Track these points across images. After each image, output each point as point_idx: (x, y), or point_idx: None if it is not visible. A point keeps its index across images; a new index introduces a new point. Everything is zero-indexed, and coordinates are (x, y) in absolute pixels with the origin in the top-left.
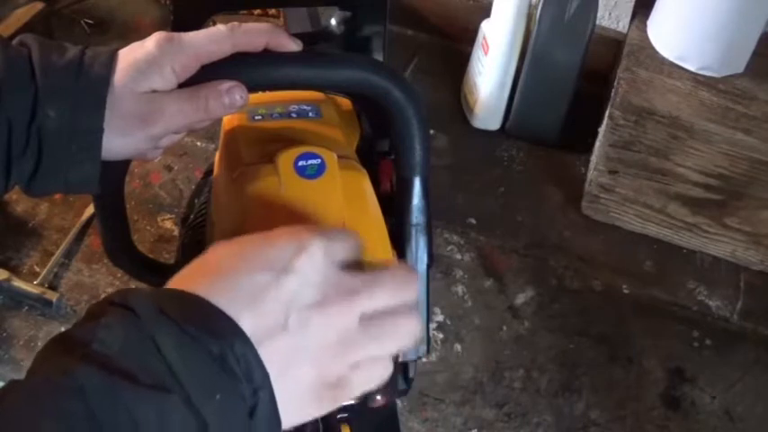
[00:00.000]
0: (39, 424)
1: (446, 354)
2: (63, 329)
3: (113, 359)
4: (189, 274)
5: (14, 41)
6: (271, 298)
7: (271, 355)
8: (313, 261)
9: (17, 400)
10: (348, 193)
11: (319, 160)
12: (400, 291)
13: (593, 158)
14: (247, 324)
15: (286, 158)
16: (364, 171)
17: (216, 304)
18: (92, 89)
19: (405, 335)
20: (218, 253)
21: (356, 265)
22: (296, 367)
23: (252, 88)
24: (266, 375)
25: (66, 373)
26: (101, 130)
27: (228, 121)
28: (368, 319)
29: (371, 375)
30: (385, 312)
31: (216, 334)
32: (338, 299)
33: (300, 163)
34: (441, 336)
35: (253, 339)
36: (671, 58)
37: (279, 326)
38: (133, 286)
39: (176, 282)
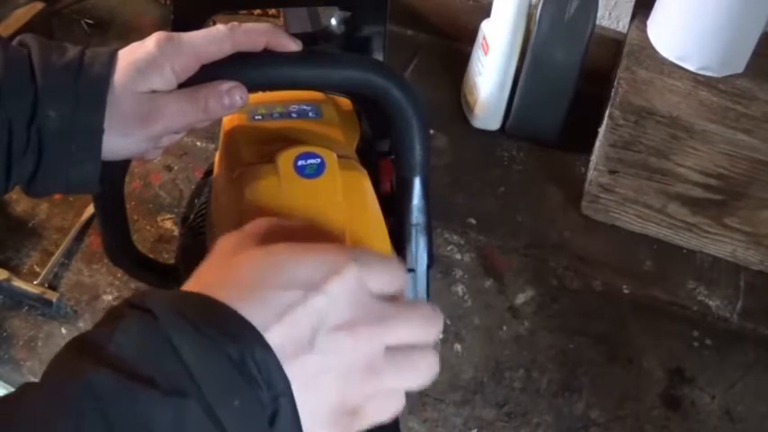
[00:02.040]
0: (53, 427)
1: (446, 354)
2: (63, 330)
3: (129, 362)
4: (214, 280)
5: (14, 41)
6: (298, 315)
7: (295, 373)
8: (345, 284)
9: (32, 403)
10: (348, 193)
11: (319, 160)
12: (427, 327)
13: (593, 158)
14: (274, 339)
15: (286, 158)
16: (364, 171)
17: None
18: (92, 89)
19: (425, 371)
20: (247, 260)
21: (392, 298)
22: (320, 387)
23: (252, 88)
24: (287, 383)
25: (81, 376)
26: (101, 130)
27: (228, 121)
28: (392, 351)
29: (387, 407)
30: (409, 346)
31: (235, 338)
32: (368, 324)
33: (300, 162)
34: (441, 336)
35: (278, 355)
36: (671, 58)
37: (305, 344)
38: (133, 286)
39: (199, 285)
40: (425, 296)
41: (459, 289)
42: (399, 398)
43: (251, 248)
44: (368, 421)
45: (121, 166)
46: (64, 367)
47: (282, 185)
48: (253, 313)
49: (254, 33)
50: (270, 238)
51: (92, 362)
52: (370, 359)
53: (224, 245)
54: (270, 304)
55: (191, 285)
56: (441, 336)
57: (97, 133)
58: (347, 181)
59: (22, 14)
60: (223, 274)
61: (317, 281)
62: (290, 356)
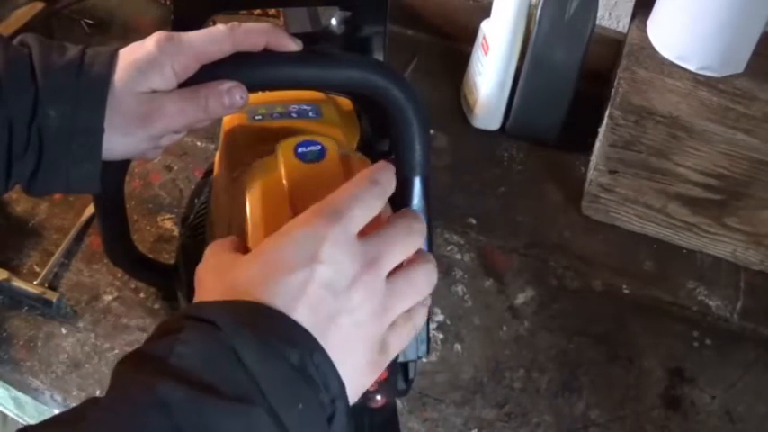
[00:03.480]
0: None
1: (446, 354)
2: (63, 330)
3: (195, 373)
4: (223, 292)
5: (15, 41)
6: (314, 290)
7: (332, 343)
8: (335, 247)
9: (99, 420)
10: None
11: (319, 146)
12: (412, 240)
13: (593, 158)
14: (304, 320)
15: (286, 146)
16: (367, 159)
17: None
18: (92, 89)
19: (426, 282)
20: (243, 267)
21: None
22: (353, 345)
23: (252, 88)
24: (342, 384)
25: (148, 390)
26: (101, 130)
27: (228, 121)
28: (392, 277)
29: (407, 331)
30: (404, 267)
31: (294, 343)
32: (367, 270)
33: (300, 150)
34: (441, 336)
35: (314, 333)
36: (671, 58)
37: (330, 314)
38: (133, 286)
39: (214, 295)
40: None
41: (459, 289)
42: (418, 313)
43: (236, 257)
44: (396, 350)
45: (121, 166)
46: (127, 382)
47: (284, 172)
48: (279, 305)
49: (254, 33)
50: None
51: (156, 375)
52: (378, 299)
53: (201, 272)
54: (284, 295)
55: (203, 296)
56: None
57: (97, 133)
58: (349, 164)
59: (22, 14)
60: (230, 287)
61: (311, 254)
62: (323, 330)
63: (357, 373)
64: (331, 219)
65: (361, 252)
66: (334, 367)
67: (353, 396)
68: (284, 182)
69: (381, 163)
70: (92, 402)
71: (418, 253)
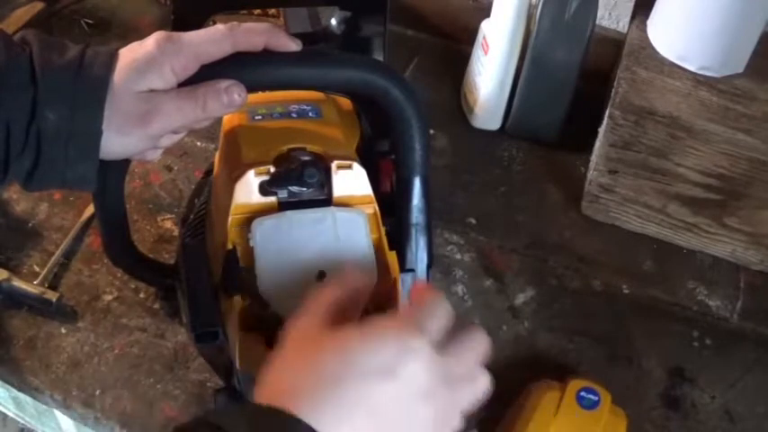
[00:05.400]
0: None
1: None
2: (63, 330)
3: None
4: (288, 385)
5: (16, 37)
6: (382, 403)
7: None
8: (418, 359)
9: None
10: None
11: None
12: (481, 356)
13: (593, 158)
14: (360, 427)
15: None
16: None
17: (319, 419)
18: (91, 90)
19: (480, 394)
20: (320, 356)
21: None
22: None
23: (251, 88)
24: None
25: None
26: (99, 132)
27: (228, 121)
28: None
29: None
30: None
31: None
32: (442, 386)
33: None
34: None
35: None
36: (671, 58)
37: (392, 425)
38: (133, 286)
39: (273, 391)
40: None
41: (459, 289)
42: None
43: (322, 338)
44: None
45: (121, 166)
46: None
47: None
48: (338, 413)
49: (253, 33)
50: (335, 315)
51: None
52: (444, 410)
53: (294, 333)
54: (351, 400)
55: (266, 390)
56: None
57: (96, 135)
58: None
59: (22, 14)
60: (297, 375)
61: (392, 364)
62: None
63: None
64: (421, 331)
65: (442, 372)
66: None
67: None
68: None
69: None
70: None
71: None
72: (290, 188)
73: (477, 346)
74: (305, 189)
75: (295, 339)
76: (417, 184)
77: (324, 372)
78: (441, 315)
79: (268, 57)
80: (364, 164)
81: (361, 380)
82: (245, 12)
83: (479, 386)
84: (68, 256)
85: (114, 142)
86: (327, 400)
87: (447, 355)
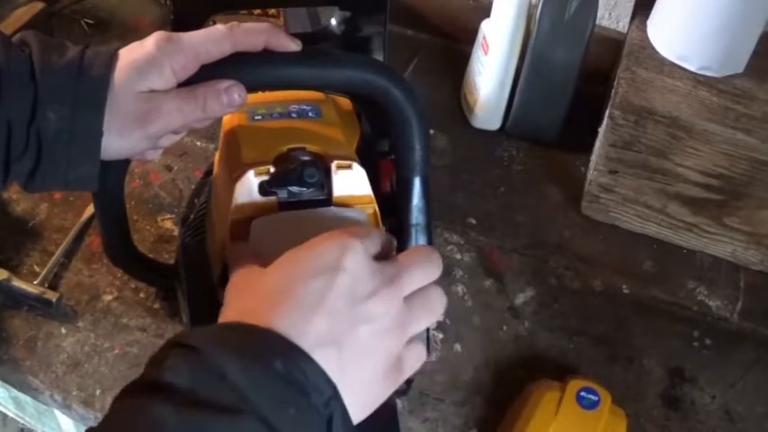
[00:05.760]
0: None
1: (446, 354)
2: (63, 330)
3: (185, 393)
4: (247, 305)
5: (15, 38)
6: (333, 298)
7: (349, 349)
8: (357, 257)
9: None
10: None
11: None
12: (431, 270)
13: (593, 158)
14: (320, 327)
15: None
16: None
17: (284, 327)
18: (91, 90)
19: (438, 309)
20: (269, 275)
21: (384, 256)
22: (371, 354)
23: (251, 88)
24: (334, 387)
25: (143, 413)
26: (100, 133)
27: (228, 121)
28: (409, 299)
29: (420, 352)
30: (419, 290)
31: (277, 353)
32: (386, 286)
33: None
34: (441, 336)
35: (333, 344)
36: (671, 58)
37: (350, 323)
38: (133, 286)
39: (234, 313)
40: None
41: (459, 289)
42: (423, 339)
43: (266, 266)
44: (411, 368)
45: (121, 166)
46: (121, 408)
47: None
48: (293, 317)
49: (253, 33)
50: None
51: (149, 398)
52: (397, 315)
53: (237, 279)
54: (305, 300)
55: (227, 316)
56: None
57: (96, 135)
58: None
59: (21, 14)
60: (254, 296)
61: (334, 262)
62: (341, 337)
63: (374, 383)
64: (355, 235)
65: (381, 269)
66: (323, 372)
67: (370, 406)
68: None
69: None
70: (88, 431)
71: (433, 283)
72: (289, 188)
73: (427, 259)
74: (305, 189)
75: (238, 282)
76: (417, 184)
77: (278, 285)
78: (379, 237)
79: (268, 57)
80: (364, 164)
81: (312, 280)
82: (245, 12)
83: (435, 300)
84: (68, 256)
85: (114, 142)
86: (288, 306)
87: (394, 263)
